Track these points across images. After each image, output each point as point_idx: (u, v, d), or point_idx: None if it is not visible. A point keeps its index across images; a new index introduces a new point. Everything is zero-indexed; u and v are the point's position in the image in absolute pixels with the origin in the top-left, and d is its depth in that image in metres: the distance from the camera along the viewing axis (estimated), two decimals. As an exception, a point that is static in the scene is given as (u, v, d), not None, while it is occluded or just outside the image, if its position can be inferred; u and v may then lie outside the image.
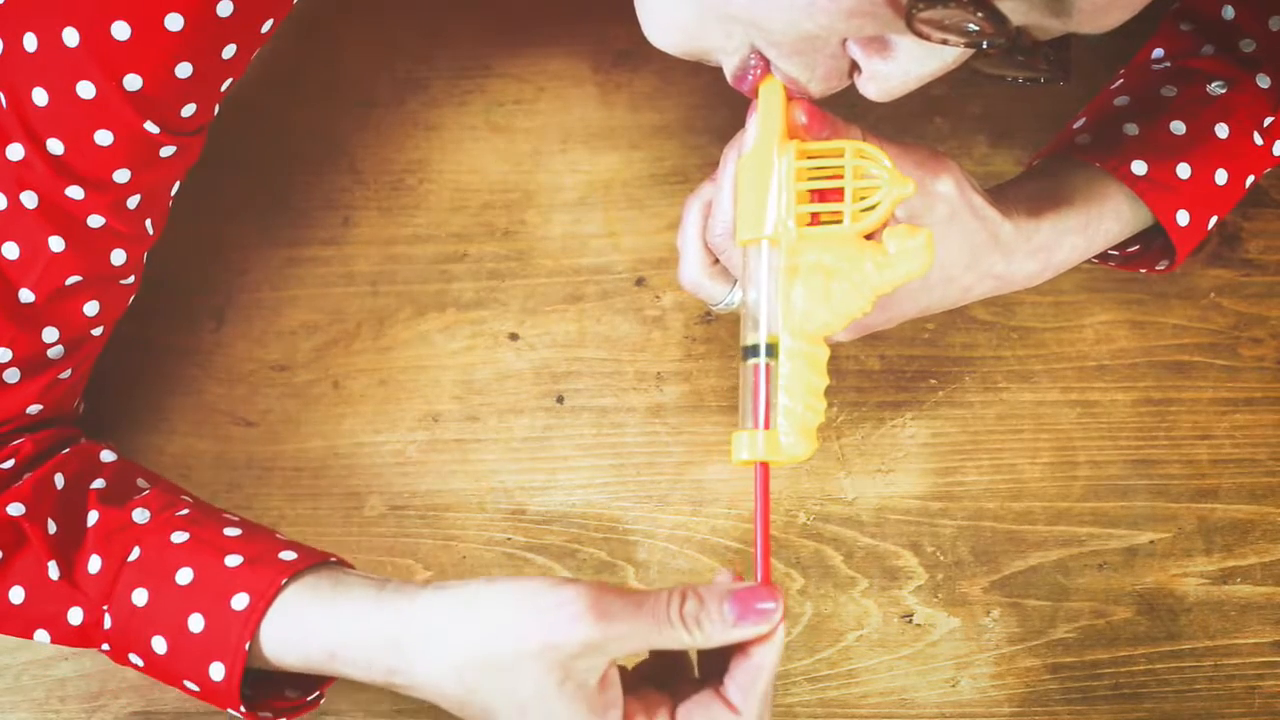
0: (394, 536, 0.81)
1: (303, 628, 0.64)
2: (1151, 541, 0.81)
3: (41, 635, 0.67)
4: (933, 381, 0.83)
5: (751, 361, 0.59)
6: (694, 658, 0.64)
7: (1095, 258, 0.73)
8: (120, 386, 0.81)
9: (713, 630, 0.58)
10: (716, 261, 0.66)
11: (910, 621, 0.80)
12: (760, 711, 0.59)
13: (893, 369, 0.83)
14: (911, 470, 0.82)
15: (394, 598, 0.63)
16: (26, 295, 0.66)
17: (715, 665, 0.61)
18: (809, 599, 0.81)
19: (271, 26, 0.64)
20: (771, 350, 0.58)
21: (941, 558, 0.81)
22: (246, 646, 0.63)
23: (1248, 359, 0.83)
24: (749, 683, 0.59)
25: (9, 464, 0.68)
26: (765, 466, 0.59)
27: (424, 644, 0.61)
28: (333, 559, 0.67)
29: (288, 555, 0.66)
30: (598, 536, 0.81)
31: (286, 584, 0.64)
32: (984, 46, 0.53)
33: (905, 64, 0.56)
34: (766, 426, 0.58)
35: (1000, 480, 0.82)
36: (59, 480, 0.69)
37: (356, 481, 0.82)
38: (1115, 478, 0.82)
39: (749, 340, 0.59)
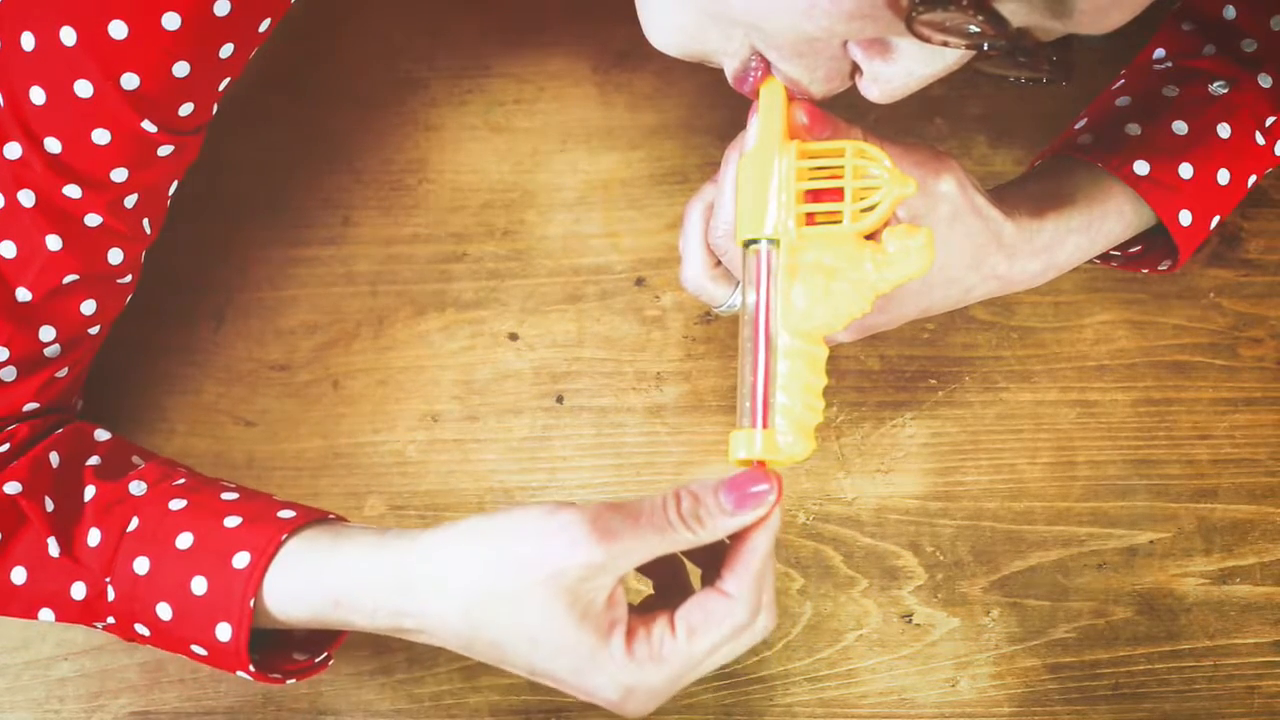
0: (393, 536, 0.81)
1: (306, 578, 0.63)
2: (1151, 541, 0.81)
3: (46, 614, 0.67)
4: (933, 381, 0.83)
5: (754, 247, 0.58)
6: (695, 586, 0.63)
7: (1097, 258, 0.73)
8: (120, 386, 0.81)
9: (713, 523, 0.58)
10: (719, 263, 0.66)
11: (910, 621, 0.80)
12: (754, 594, 0.59)
13: (893, 369, 0.83)
14: (911, 470, 0.82)
15: (395, 540, 0.63)
16: (24, 294, 0.66)
17: (713, 575, 0.60)
18: (809, 599, 0.80)
19: (269, 26, 0.64)
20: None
21: (941, 558, 0.81)
22: (251, 604, 0.63)
23: (1247, 359, 0.83)
24: (741, 567, 0.59)
25: (4, 447, 0.68)
26: (763, 466, 0.59)
27: (428, 582, 0.61)
28: (331, 516, 0.67)
29: (286, 514, 0.66)
30: (597, 536, 0.81)
31: (287, 539, 0.64)
32: (985, 48, 0.53)
33: (907, 65, 0.56)
34: (765, 425, 0.58)
35: (1000, 480, 0.82)
36: (54, 458, 0.68)
37: (356, 481, 0.82)
38: (1115, 478, 0.82)
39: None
